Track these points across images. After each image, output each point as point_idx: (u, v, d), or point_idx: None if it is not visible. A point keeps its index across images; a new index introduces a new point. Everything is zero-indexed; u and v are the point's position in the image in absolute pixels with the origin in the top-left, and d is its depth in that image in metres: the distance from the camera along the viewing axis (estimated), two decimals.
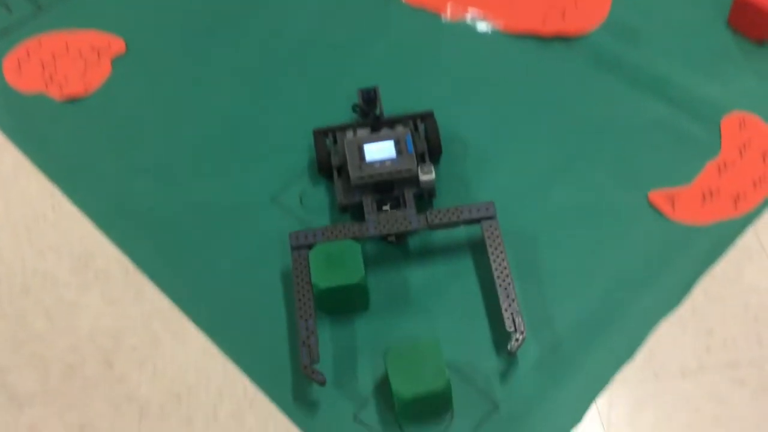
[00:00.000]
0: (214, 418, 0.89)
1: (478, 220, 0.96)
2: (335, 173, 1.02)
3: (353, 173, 0.98)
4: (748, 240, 0.98)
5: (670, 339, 0.92)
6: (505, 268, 0.93)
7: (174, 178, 1.09)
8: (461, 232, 1.00)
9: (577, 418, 0.87)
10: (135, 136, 1.14)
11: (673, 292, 0.95)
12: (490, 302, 0.94)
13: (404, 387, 0.83)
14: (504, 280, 0.92)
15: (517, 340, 0.88)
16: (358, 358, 0.91)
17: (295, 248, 0.95)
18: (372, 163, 0.99)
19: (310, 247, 0.95)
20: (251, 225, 1.03)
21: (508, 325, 0.89)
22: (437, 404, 0.87)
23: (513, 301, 0.90)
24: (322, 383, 0.87)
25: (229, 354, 0.93)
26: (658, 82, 1.13)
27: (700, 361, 0.90)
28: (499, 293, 0.91)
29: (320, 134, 1.05)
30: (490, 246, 0.94)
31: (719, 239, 0.98)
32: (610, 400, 0.88)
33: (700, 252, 0.98)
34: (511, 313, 0.89)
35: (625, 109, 1.11)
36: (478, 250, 0.98)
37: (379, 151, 1.00)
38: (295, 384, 0.90)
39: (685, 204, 1.01)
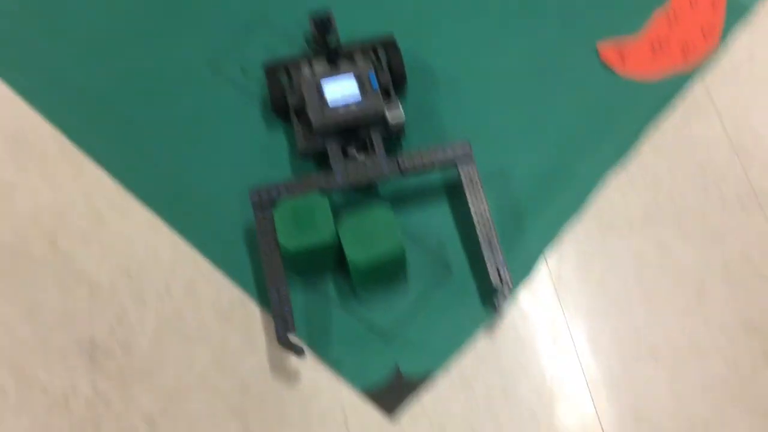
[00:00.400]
0: (166, 291, 0.89)
1: (453, 162, 0.89)
2: (293, 115, 0.93)
3: (315, 120, 0.89)
4: (695, 91, 0.98)
5: (619, 193, 0.92)
6: (485, 212, 0.87)
7: (106, 47, 1.03)
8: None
9: (526, 272, 0.89)
10: (64, 6, 1.06)
11: (621, 146, 0.95)
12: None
13: (358, 253, 0.83)
14: (485, 226, 0.86)
15: (504, 295, 0.85)
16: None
17: (258, 208, 0.87)
18: (335, 108, 0.89)
19: (273, 203, 0.87)
20: (190, 92, 0.99)
21: (494, 280, 0.84)
22: (392, 269, 0.87)
23: (497, 251, 0.85)
24: (301, 354, 0.84)
25: (177, 228, 0.92)
26: None
27: (646, 213, 0.91)
28: (481, 243, 0.86)
29: (273, 71, 0.95)
30: (469, 190, 0.88)
31: (667, 91, 0.98)
32: (560, 255, 0.90)
33: (647, 104, 0.97)
34: (497, 267, 0.85)
35: None
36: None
37: (341, 90, 0.90)
38: (250, 255, 0.89)
39: (634, 56, 1.00)
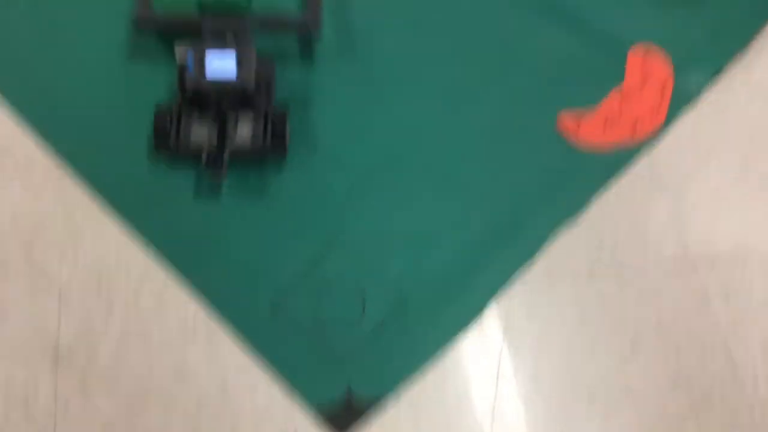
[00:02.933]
0: (134, 303, 0.92)
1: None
2: None
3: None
4: (641, 162, 1.07)
5: (566, 248, 1.00)
6: None
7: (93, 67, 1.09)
8: None
9: (477, 313, 0.95)
10: (51, 23, 1.12)
11: (571, 208, 1.03)
12: None
13: None
14: None
15: None
16: None
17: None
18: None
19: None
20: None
21: None
22: None
23: None
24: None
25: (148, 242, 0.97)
26: (568, 13, 1.19)
27: (590, 267, 0.99)
28: None
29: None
30: None
31: (616, 161, 1.07)
32: (510, 300, 0.96)
33: (597, 172, 1.06)
34: None
35: (536, 38, 1.16)
36: None
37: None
38: (218, 271, 0.95)
39: (589, 126, 1.09)
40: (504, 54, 1.15)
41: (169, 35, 1.02)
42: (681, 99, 1.12)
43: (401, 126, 1.08)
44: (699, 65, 1.14)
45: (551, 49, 1.16)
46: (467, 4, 1.20)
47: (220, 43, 0.96)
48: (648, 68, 1.15)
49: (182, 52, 0.99)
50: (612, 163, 1.07)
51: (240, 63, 0.95)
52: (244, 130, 0.99)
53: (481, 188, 1.04)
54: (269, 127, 0.99)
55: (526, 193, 1.04)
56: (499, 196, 1.03)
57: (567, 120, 1.09)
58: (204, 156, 0.97)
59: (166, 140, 0.99)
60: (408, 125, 1.08)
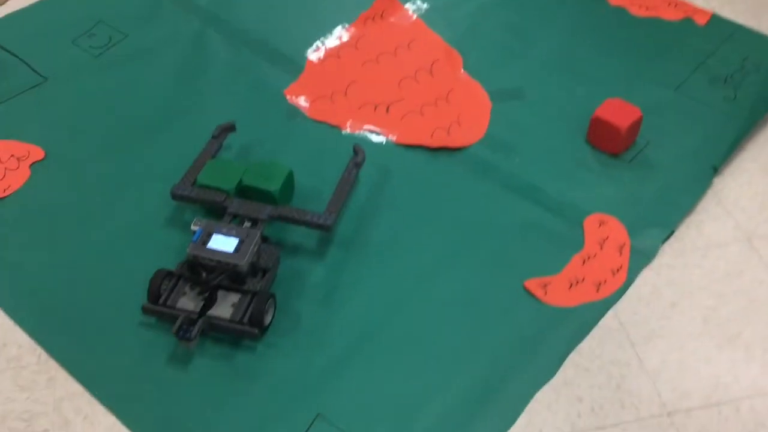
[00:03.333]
0: None
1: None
2: None
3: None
4: (608, 319, 1.12)
5: (545, 407, 1.02)
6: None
7: (86, 275, 1.15)
8: None
9: None
10: (49, 235, 1.20)
11: (547, 367, 1.07)
12: None
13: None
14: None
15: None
16: None
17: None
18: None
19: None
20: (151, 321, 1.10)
21: None
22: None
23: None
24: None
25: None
26: (530, 187, 1.29)
27: (572, 425, 1.01)
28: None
29: None
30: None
31: (584, 319, 1.12)
32: None
33: (568, 331, 1.11)
34: None
35: (502, 210, 1.26)
36: None
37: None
38: None
39: (555, 290, 1.15)
40: (473, 224, 1.24)
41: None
42: (639, 259, 1.20)
43: (378, 299, 1.14)
44: (652, 227, 1.23)
45: (516, 219, 1.25)
46: (435, 179, 1.31)
47: (230, 229, 1.10)
48: (605, 233, 1.23)
49: (197, 225, 1.11)
50: (581, 318, 1.12)
51: (239, 247, 1.07)
52: (226, 306, 1.06)
53: (459, 353, 1.08)
54: (251, 306, 1.06)
55: (502, 355, 1.08)
56: (477, 359, 1.07)
57: (534, 285, 1.15)
58: (177, 322, 1.03)
59: (156, 300, 1.07)
60: (384, 297, 1.14)
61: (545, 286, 1.16)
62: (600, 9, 1.64)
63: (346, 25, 1.59)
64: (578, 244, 1.21)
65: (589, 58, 1.52)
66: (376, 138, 1.37)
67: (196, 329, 1.01)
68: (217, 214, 1.16)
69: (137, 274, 1.13)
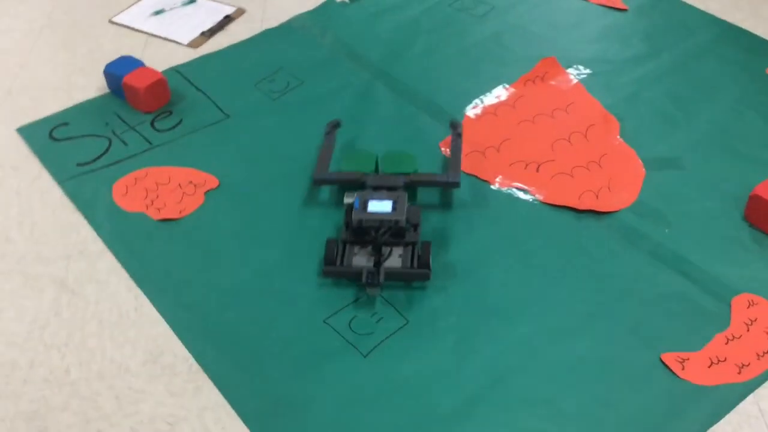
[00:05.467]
0: None
1: None
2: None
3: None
4: (748, 405, 1.07)
5: None
6: None
7: (244, 296, 1.25)
8: None
9: None
10: (215, 256, 1.31)
11: None
12: None
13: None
14: None
15: None
16: None
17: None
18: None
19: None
20: (306, 344, 1.17)
21: None
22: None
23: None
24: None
25: None
26: (678, 258, 1.27)
27: None
28: None
29: None
30: None
31: (722, 401, 1.08)
32: None
33: (703, 411, 1.07)
34: None
35: (645, 278, 1.24)
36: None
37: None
38: None
39: (694, 367, 1.12)
40: (614, 289, 1.23)
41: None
42: None
43: (510, 349, 1.15)
44: None
45: (660, 289, 1.23)
46: (579, 240, 1.31)
47: (381, 195, 1.29)
48: (754, 315, 1.18)
49: (350, 197, 1.32)
50: (718, 399, 1.08)
51: (395, 206, 1.26)
52: (394, 257, 1.25)
53: (588, 414, 1.07)
54: (416, 255, 1.24)
55: (631, 423, 1.06)
56: (604, 423, 1.06)
57: (671, 359, 1.13)
58: (364, 274, 1.19)
59: (333, 264, 1.24)
60: (516, 349, 1.15)
61: (683, 361, 1.13)
62: None
63: (506, 85, 1.64)
64: (723, 322, 1.18)
65: (752, 134, 1.48)
66: (523, 195, 1.40)
67: (381, 275, 1.19)
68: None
69: (291, 298, 1.22)
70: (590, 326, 1.18)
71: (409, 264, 1.24)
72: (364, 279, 1.19)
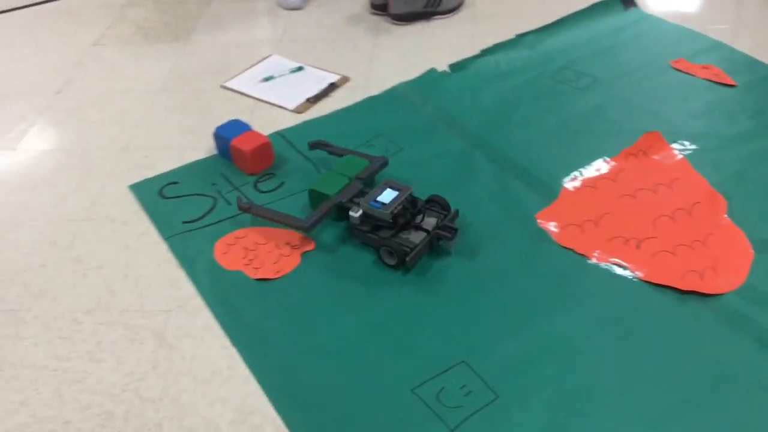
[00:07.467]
0: None
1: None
2: None
3: None
4: None
5: None
6: None
7: (334, 360, 1.25)
8: None
9: None
10: (308, 318, 1.33)
11: None
12: None
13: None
14: None
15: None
16: None
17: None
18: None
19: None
20: (394, 413, 1.16)
21: None
22: None
23: None
24: None
25: None
26: None
27: None
28: None
29: None
30: None
31: None
32: None
33: None
34: None
35: (751, 366, 1.18)
36: None
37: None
38: None
39: None
40: (715, 376, 1.18)
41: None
42: None
43: (600, 430, 1.11)
44: None
45: (766, 380, 1.16)
46: (680, 322, 1.26)
47: (374, 193, 1.45)
48: None
49: (356, 212, 1.45)
50: None
51: (396, 188, 1.45)
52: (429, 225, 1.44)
53: None
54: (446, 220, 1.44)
55: None
56: None
57: None
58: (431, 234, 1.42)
59: (405, 258, 1.38)
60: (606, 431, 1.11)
61: None
62: None
63: (607, 158, 1.62)
64: None
65: None
66: (621, 272, 1.36)
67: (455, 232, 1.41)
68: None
69: (380, 363, 1.23)
70: (686, 415, 1.12)
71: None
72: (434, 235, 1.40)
